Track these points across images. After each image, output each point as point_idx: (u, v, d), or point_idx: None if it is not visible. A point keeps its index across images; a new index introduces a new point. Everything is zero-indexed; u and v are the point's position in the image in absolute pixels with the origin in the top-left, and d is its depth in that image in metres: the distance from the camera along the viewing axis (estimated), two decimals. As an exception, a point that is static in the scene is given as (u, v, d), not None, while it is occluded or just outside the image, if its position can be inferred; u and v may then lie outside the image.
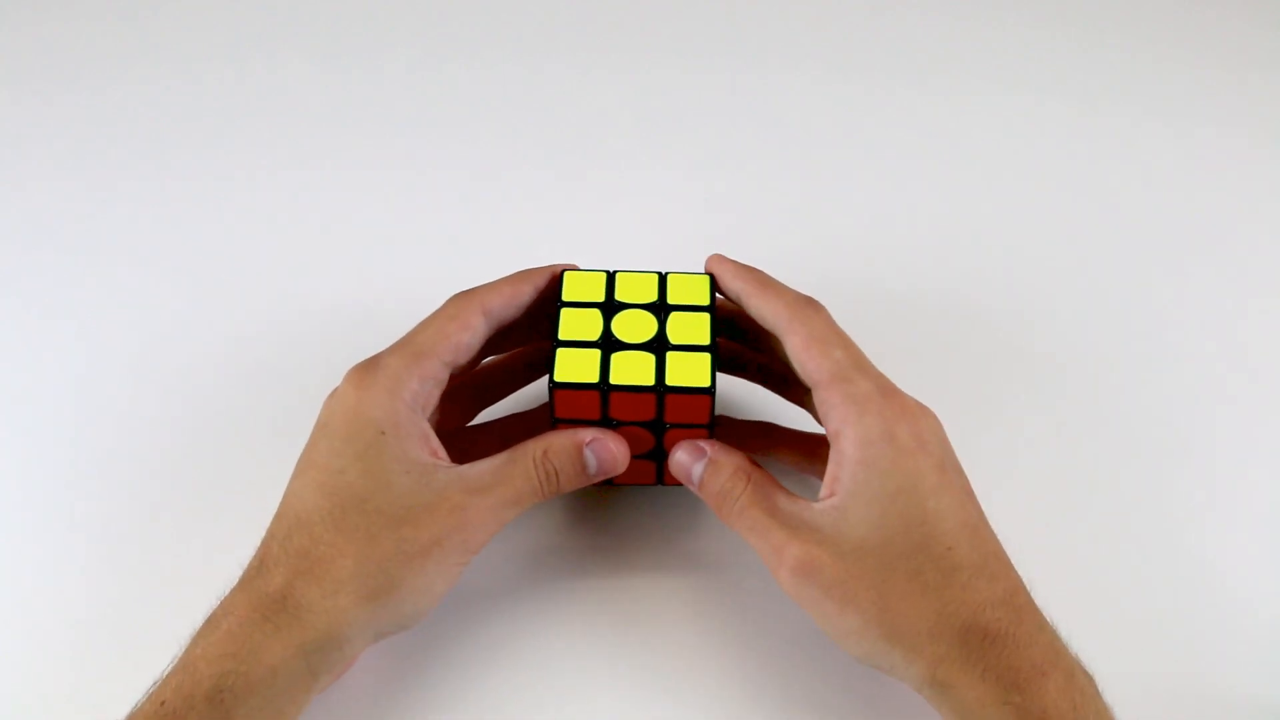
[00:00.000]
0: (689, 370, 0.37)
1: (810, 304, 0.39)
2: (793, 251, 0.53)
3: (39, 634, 0.40)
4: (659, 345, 0.38)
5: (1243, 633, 0.42)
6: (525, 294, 0.40)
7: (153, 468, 0.45)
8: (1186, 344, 0.52)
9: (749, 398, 0.47)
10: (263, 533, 0.36)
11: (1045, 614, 0.35)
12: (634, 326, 0.39)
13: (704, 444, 0.39)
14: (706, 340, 0.39)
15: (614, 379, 0.37)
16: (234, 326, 0.51)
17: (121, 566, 0.42)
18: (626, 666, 0.40)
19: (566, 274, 0.41)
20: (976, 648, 0.33)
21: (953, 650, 0.33)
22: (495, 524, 0.37)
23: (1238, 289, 0.54)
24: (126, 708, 0.33)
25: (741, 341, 0.44)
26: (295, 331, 0.51)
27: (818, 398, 0.37)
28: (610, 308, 0.39)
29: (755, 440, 0.44)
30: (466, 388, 0.43)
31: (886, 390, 0.37)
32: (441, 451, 0.37)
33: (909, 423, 0.36)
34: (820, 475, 0.37)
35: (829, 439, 0.37)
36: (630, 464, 0.39)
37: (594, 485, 0.40)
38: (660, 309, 0.40)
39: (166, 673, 0.33)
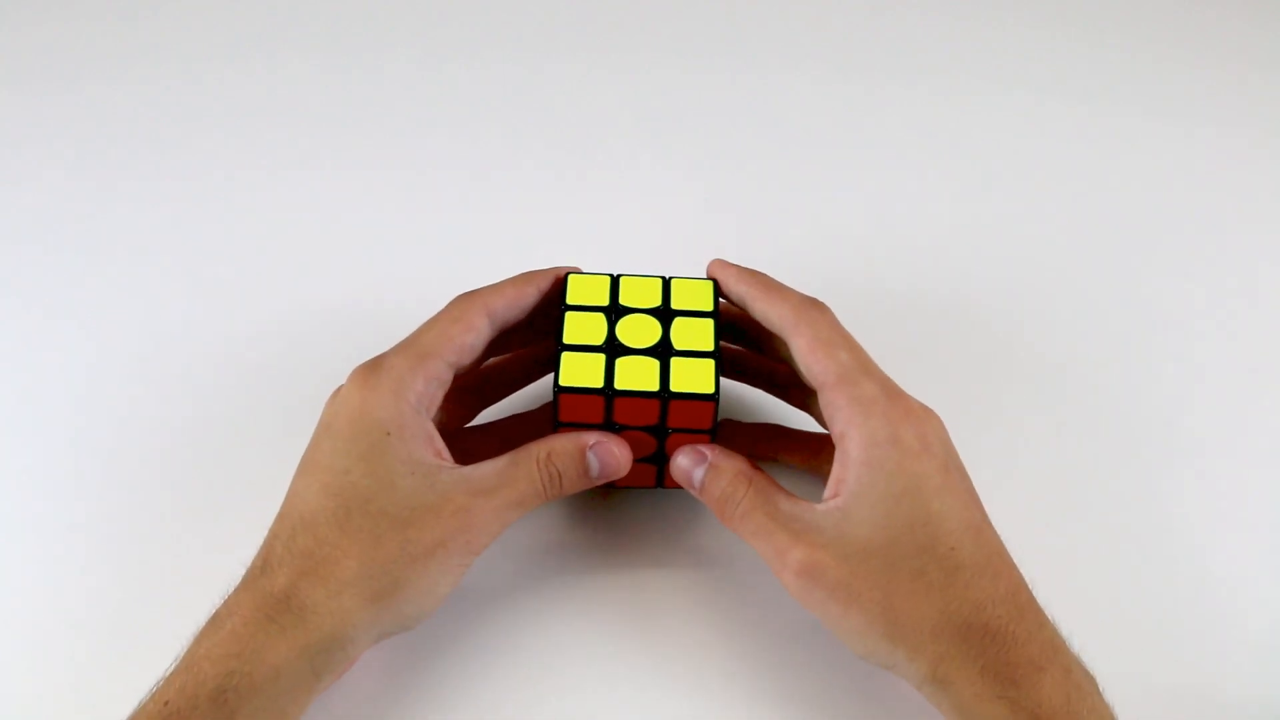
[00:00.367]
0: (693, 376, 0.38)
1: (815, 306, 0.39)
2: (793, 252, 0.53)
3: (40, 634, 0.40)
4: (663, 350, 0.38)
5: (1242, 633, 0.42)
6: (529, 295, 0.40)
7: (154, 467, 0.45)
8: (1187, 344, 0.52)
9: (751, 402, 0.47)
10: (265, 533, 0.36)
11: (1047, 612, 0.35)
12: (638, 331, 0.39)
13: (704, 449, 0.39)
14: (710, 346, 0.39)
15: (619, 384, 0.37)
16: (235, 326, 0.51)
17: (123, 566, 0.42)
18: (628, 663, 0.40)
19: (570, 277, 0.41)
20: (976, 645, 0.33)
21: (953, 648, 0.34)
22: (498, 525, 0.37)
23: (1238, 289, 0.54)
24: (128, 708, 0.33)
25: (744, 345, 0.44)
26: (297, 331, 0.51)
27: (823, 399, 0.37)
28: (614, 312, 0.40)
29: (761, 442, 0.44)
30: (468, 387, 0.43)
31: (892, 393, 0.37)
32: (446, 453, 0.37)
33: (914, 425, 0.36)
34: (827, 475, 0.37)
35: (834, 441, 0.37)
36: (632, 468, 0.39)
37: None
38: (664, 314, 0.40)
39: (169, 672, 0.33)
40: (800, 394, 0.43)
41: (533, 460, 0.37)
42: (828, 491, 0.36)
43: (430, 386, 0.37)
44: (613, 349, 0.38)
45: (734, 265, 0.41)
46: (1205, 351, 0.51)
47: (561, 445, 0.38)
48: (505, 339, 0.41)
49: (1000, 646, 0.33)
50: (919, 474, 0.35)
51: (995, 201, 0.58)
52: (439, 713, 0.39)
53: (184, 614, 0.35)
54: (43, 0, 0.67)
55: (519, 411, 0.44)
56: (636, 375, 0.37)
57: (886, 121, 0.63)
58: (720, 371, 0.38)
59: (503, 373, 0.44)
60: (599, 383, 0.37)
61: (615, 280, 0.41)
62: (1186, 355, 0.51)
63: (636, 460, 0.39)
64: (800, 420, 0.44)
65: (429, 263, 0.54)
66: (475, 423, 0.44)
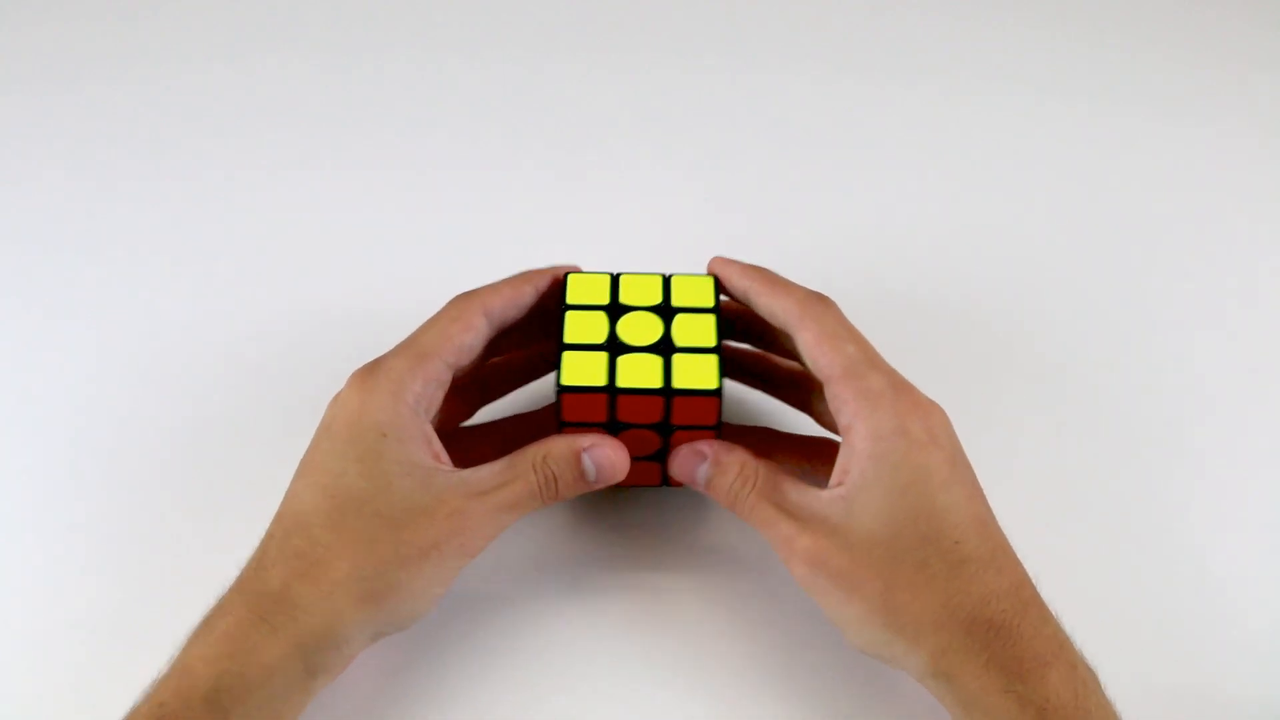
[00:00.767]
0: (696, 372, 0.37)
1: (821, 300, 0.39)
2: (792, 252, 0.53)
3: (40, 634, 0.40)
4: (665, 347, 0.38)
5: (1243, 632, 0.42)
6: (527, 295, 0.40)
7: (154, 467, 0.45)
8: (1188, 343, 0.52)
9: (748, 402, 0.47)
10: (263, 534, 0.36)
11: (1050, 608, 0.35)
12: (639, 329, 0.39)
13: (704, 446, 0.39)
14: (713, 342, 0.39)
15: (621, 382, 0.37)
16: (236, 326, 0.51)
17: (123, 566, 0.42)
18: (633, 662, 0.40)
19: (570, 276, 0.41)
20: (981, 638, 0.33)
21: (956, 641, 0.34)
22: (493, 528, 0.37)
23: (1239, 289, 0.54)
24: (127, 708, 0.33)
25: (745, 342, 0.44)
26: (297, 331, 0.51)
27: (829, 392, 0.37)
28: (615, 310, 0.39)
29: (755, 446, 0.44)
30: (466, 385, 0.43)
31: (899, 385, 0.37)
32: (444, 455, 0.37)
33: (921, 417, 0.36)
34: (823, 477, 0.37)
35: (840, 433, 0.37)
36: (636, 466, 0.39)
37: None
38: (665, 311, 0.40)
39: (163, 675, 0.33)
40: (797, 393, 0.43)
41: (528, 463, 0.37)
42: (832, 479, 0.37)
43: (429, 387, 0.37)
44: (614, 347, 0.38)
45: (737, 261, 0.41)
46: (1206, 351, 0.51)
47: (557, 449, 0.38)
48: (504, 339, 0.41)
49: (1005, 641, 0.33)
50: (926, 466, 0.35)
51: (995, 201, 0.58)
52: (441, 713, 0.39)
53: (183, 614, 0.35)
54: (43, 0, 0.67)
55: (520, 412, 0.44)
56: (639, 373, 0.37)
57: (887, 121, 0.63)
58: (724, 367, 0.38)
59: (501, 370, 0.44)
60: (601, 381, 0.37)
61: (615, 279, 0.41)
62: (1187, 355, 0.51)
63: (641, 459, 0.39)
64: (797, 421, 0.44)
65: (429, 263, 0.53)
66: (476, 422, 0.44)
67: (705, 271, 0.42)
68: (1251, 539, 0.45)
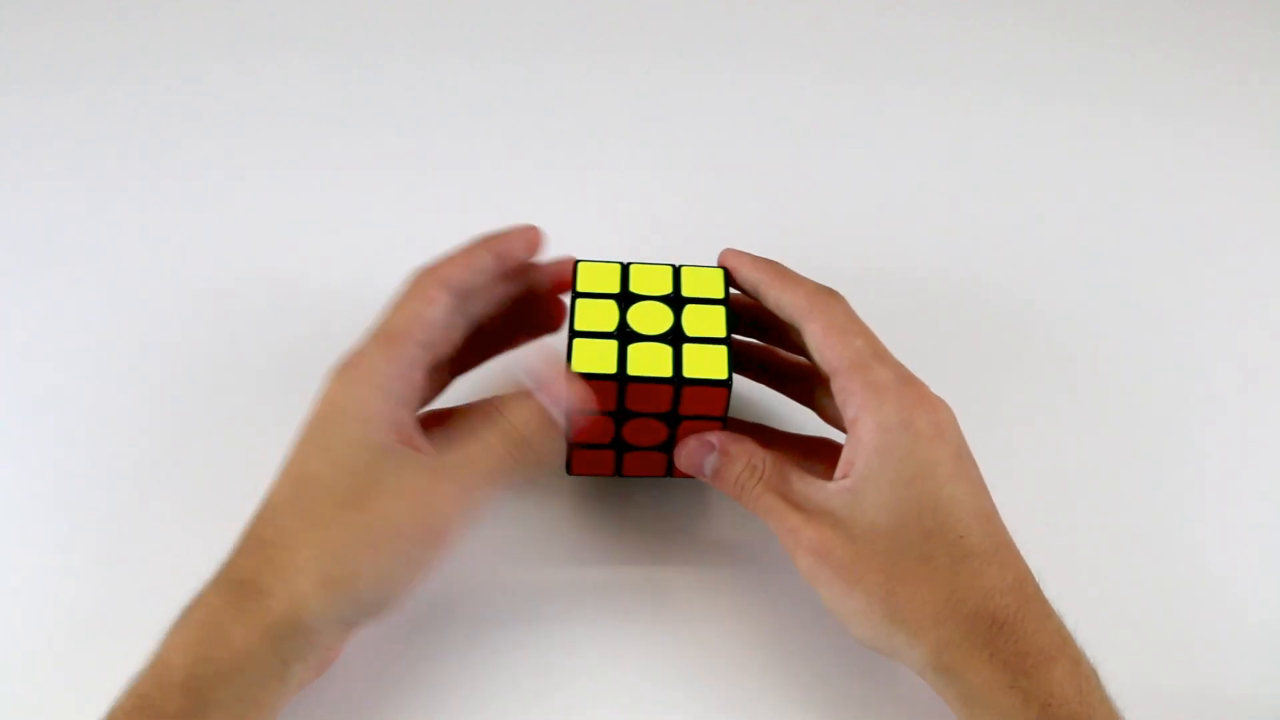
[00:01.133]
0: (706, 363, 0.37)
1: (830, 294, 0.39)
2: (793, 252, 0.53)
3: (32, 632, 0.40)
4: (675, 337, 0.38)
5: (1244, 631, 0.42)
6: (484, 259, 0.39)
7: (151, 467, 0.45)
8: (1190, 342, 0.52)
9: (751, 397, 0.47)
10: None
11: (1052, 604, 0.35)
12: (649, 318, 0.39)
13: (711, 437, 0.39)
14: (723, 333, 0.38)
15: (631, 370, 0.37)
16: (235, 326, 0.51)
17: (115, 565, 0.42)
18: (636, 655, 0.40)
19: (580, 264, 0.41)
20: (984, 633, 0.33)
21: (958, 635, 0.34)
22: (464, 510, 0.35)
23: (1241, 288, 0.55)
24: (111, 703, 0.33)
25: (753, 335, 0.44)
26: (297, 331, 0.50)
27: (836, 385, 0.37)
28: (625, 299, 0.39)
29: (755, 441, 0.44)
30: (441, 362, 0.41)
31: (905, 379, 0.37)
32: (418, 439, 0.36)
33: (927, 411, 0.36)
34: (822, 476, 0.37)
35: (846, 426, 0.37)
36: (642, 456, 0.39)
37: (602, 475, 0.39)
38: (675, 301, 0.40)
39: (143, 668, 0.33)
40: (801, 387, 0.43)
41: (490, 429, 0.36)
42: (838, 472, 0.37)
43: (400, 367, 0.36)
44: (625, 335, 0.38)
45: (747, 253, 0.41)
46: (1208, 350, 0.52)
47: (515, 407, 0.36)
48: (488, 337, 0.41)
49: (1009, 636, 0.33)
50: (931, 460, 0.35)
51: (996, 201, 0.59)
52: (442, 706, 0.38)
53: (170, 610, 0.34)
54: (43, 0, 0.67)
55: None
56: (649, 361, 0.37)
57: (887, 121, 0.63)
58: (733, 359, 0.38)
59: (472, 340, 0.42)
60: (612, 369, 0.37)
61: (625, 268, 0.41)
62: (1189, 354, 0.51)
63: (648, 449, 0.39)
64: (799, 417, 0.44)
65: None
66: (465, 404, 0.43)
67: (716, 263, 0.42)
68: (1254, 538, 0.45)
